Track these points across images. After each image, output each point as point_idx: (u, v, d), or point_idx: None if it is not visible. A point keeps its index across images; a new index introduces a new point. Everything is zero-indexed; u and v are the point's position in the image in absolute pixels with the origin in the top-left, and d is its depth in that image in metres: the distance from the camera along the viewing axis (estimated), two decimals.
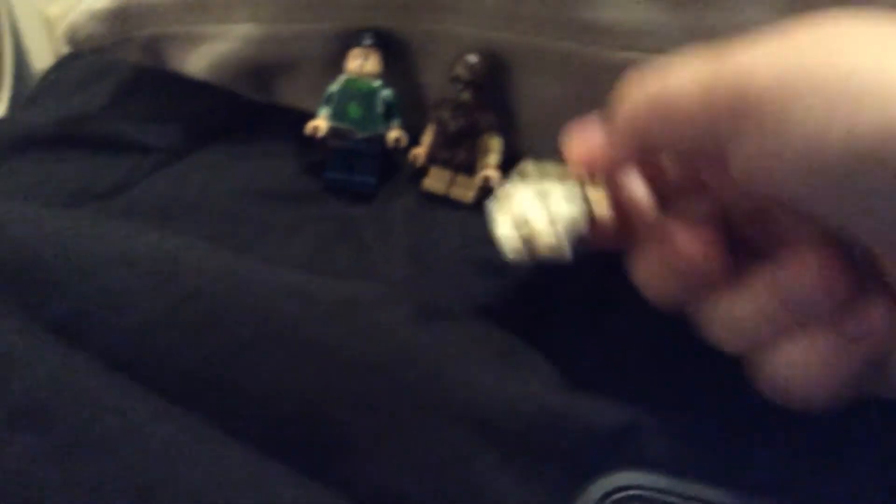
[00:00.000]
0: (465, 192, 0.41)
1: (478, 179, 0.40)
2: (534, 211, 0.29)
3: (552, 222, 0.29)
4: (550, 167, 0.31)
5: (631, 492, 0.26)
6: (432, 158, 0.41)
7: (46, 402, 0.25)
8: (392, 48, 0.41)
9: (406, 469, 0.27)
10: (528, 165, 0.32)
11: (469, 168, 0.41)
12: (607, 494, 0.26)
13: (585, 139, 0.30)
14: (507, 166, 0.40)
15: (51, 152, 0.45)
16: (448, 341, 0.30)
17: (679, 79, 0.25)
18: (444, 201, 0.41)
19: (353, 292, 0.31)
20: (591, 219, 0.30)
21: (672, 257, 0.27)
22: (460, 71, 0.39)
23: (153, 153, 0.45)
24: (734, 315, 0.27)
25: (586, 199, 0.30)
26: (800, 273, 0.25)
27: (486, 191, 0.40)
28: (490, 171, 0.40)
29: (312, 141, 0.42)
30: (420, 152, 0.41)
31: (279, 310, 0.29)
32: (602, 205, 0.30)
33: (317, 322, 0.29)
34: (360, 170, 0.42)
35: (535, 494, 0.27)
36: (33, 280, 0.29)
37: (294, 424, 0.27)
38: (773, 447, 0.29)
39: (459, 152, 0.40)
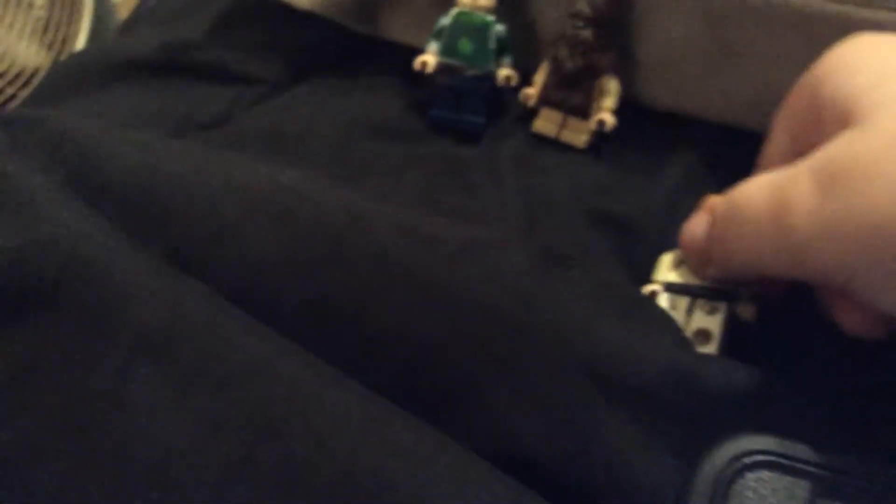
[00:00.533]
0: (577, 135, 0.39)
1: (592, 123, 0.39)
2: None
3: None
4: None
5: (760, 457, 0.25)
6: (545, 99, 0.40)
7: (169, 332, 0.25)
8: None
9: (524, 417, 0.26)
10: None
11: (583, 111, 0.39)
12: (736, 458, 0.25)
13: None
14: (623, 110, 0.39)
15: (153, 79, 0.45)
16: (571, 290, 0.29)
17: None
18: (553, 144, 0.40)
19: (473, 235, 0.30)
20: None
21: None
22: (582, 6, 0.37)
23: (257, 84, 0.44)
24: None
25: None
26: None
27: (600, 135, 0.39)
28: (605, 115, 0.38)
29: (419, 77, 0.40)
30: (532, 92, 0.40)
31: (400, 249, 0.28)
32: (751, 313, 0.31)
33: (438, 263, 0.28)
34: (469, 109, 0.40)
35: (658, 455, 0.26)
36: (147, 209, 0.29)
37: (413, 367, 0.27)
38: None
39: (574, 94, 0.39)
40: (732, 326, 0.30)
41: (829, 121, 0.26)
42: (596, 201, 0.36)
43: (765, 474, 0.25)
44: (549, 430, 0.26)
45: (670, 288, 0.31)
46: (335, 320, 0.27)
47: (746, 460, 0.25)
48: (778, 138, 0.30)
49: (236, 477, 0.23)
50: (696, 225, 0.30)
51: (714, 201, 0.30)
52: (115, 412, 0.23)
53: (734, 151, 0.36)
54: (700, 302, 0.31)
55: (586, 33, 0.37)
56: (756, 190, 0.26)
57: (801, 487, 0.25)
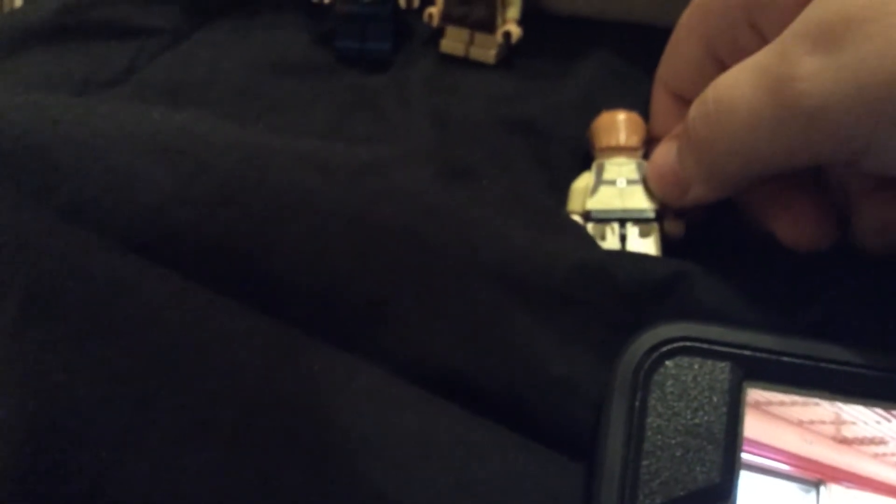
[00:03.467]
0: (485, 51, 0.38)
1: (498, 36, 0.38)
2: None
3: None
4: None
5: (679, 343, 0.25)
6: (448, 17, 0.38)
7: (60, 286, 0.24)
8: None
9: (438, 331, 0.26)
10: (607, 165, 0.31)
11: (487, 24, 0.38)
12: (654, 347, 0.25)
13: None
14: (527, 20, 0.38)
15: (53, 44, 0.43)
16: (477, 201, 0.28)
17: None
18: (464, 62, 0.39)
19: (372, 156, 0.29)
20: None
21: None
22: None
23: (157, 35, 0.43)
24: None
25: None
26: None
27: (508, 47, 0.38)
28: (511, 26, 0.37)
29: (320, 9, 0.40)
30: (434, 11, 0.39)
31: (295, 179, 0.27)
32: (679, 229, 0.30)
33: (336, 189, 0.27)
34: (373, 36, 0.39)
35: (579, 353, 0.25)
36: (39, 166, 0.28)
37: (321, 295, 0.26)
38: (825, 292, 0.27)
39: (476, 7, 0.37)
40: (663, 246, 0.30)
41: None
42: (508, 111, 0.35)
43: (685, 360, 0.25)
44: (465, 340, 0.25)
45: (593, 217, 0.30)
46: (236, 259, 0.26)
47: (665, 349, 0.25)
48: (687, 49, 0.29)
49: (140, 424, 0.22)
50: (663, 154, 0.29)
51: (679, 128, 0.28)
52: (9, 372, 0.23)
53: (641, 49, 0.35)
54: (630, 226, 0.30)
55: None
56: (738, 80, 0.24)
57: (724, 370, 0.25)
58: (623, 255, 0.27)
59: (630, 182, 0.30)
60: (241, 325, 0.24)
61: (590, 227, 0.30)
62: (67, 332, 0.23)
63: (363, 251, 0.26)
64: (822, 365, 0.25)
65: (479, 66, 0.38)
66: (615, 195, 0.30)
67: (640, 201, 0.30)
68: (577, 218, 0.30)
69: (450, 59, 0.39)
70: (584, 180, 0.31)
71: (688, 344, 0.25)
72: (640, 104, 0.33)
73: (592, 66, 0.36)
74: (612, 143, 0.31)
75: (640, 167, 0.31)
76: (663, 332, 0.25)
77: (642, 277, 0.26)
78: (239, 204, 0.27)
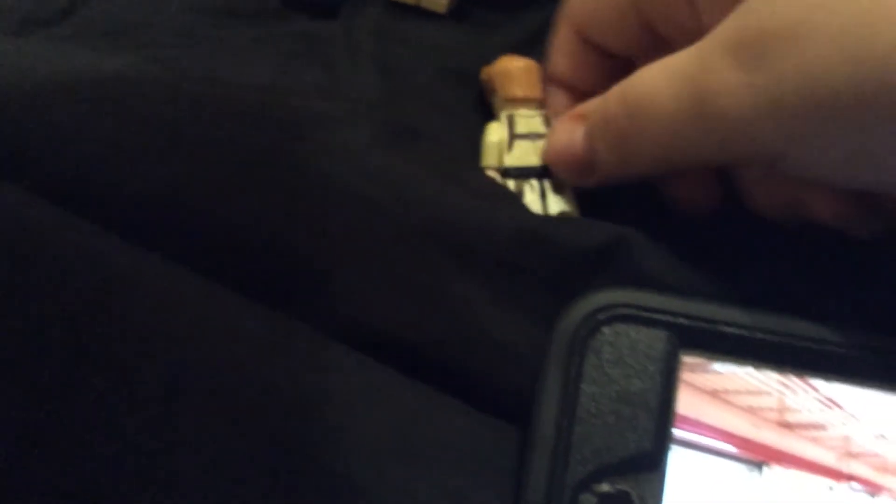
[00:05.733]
0: (435, 2, 0.37)
1: None
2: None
3: None
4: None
5: (617, 310, 0.25)
6: None
7: None
8: None
9: (379, 298, 0.25)
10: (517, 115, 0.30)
11: None
12: (591, 314, 0.25)
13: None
14: None
15: None
16: (419, 161, 0.27)
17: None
18: (415, 11, 0.38)
19: (314, 110, 0.28)
20: None
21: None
22: None
23: None
24: None
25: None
26: None
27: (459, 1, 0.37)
28: None
29: None
30: None
31: (232, 130, 0.26)
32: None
33: (276, 141, 0.26)
34: None
35: (516, 319, 0.25)
36: None
37: (257, 253, 0.25)
38: (765, 259, 0.27)
39: None
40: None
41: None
42: (457, 63, 0.35)
43: (621, 327, 0.25)
44: (401, 303, 0.25)
45: (511, 173, 0.30)
46: (169, 210, 0.25)
47: (602, 315, 0.25)
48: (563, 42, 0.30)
49: (69, 378, 0.21)
50: (568, 136, 0.28)
51: (585, 109, 0.28)
52: None
53: None
54: (548, 183, 0.29)
55: None
56: (659, 84, 0.25)
57: (661, 339, 0.25)
58: (562, 221, 0.27)
59: (540, 136, 0.30)
60: (173, 283, 0.24)
61: (510, 183, 0.29)
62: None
63: (296, 207, 0.25)
64: (760, 336, 0.25)
65: (430, 15, 0.37)
66: (531, 150, 0.30)
67: None
68: (493, 174, 0.30)
69: (400, 7, 0.38)
70: (497, 133, 0.31)
71: (625, 311, 0.25)
72: None
73: (540, 18, 0.35)
74: (517, 93, 0.31)
75: (545, 120, 0.30)
76: (600, 298, 0.25)
77: (582, 243, 0.26)
78: (174, 154, 0.26)
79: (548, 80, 0.31)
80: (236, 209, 0.25)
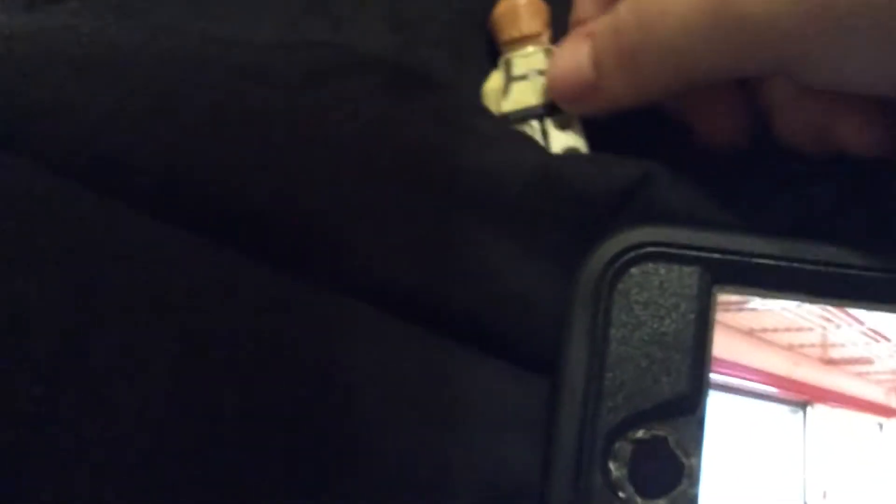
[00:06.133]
0: None
1: None
2: None
3: None
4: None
5: (645, 249, 0.24)
6: None
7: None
8: None
9: (394, 254, 0.24)
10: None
11: None
12: (618, 255, 0.24)
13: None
14: None
15: None
16: (429, 110, 0.26)
17: None
18: None
19: (318, 63, 0.27)
20: None
21: None
22: None
23: None
24: None
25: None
26: None
27: None
28: None
29: None
30: None
31: (236, 88, 0.25)
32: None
33: (280, 98, 0.25)
34: None
35: (539, 267, 0.24)
36: None
37: (266, 215, 0.24)
38: (797, 189, 0.26)
39: None
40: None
41: None
42: (470, 9, 0.33)
43: (650, 266, 0.24)
44: (418, 257, 0.24)
45: (511, 119, 0.28)
46: (174, 174, 0.25)
47: (629, 255, 0.24)
48: None
49: (83, 339, 0.21)
50: (572, 57, 0.27)
51: (592, 27, 0.26)
52: None
53: None
54: (549, 122, 0.28)
55: None
56: None
57: (692, 275, 0.24)
58: (582, 160, 0.26)
59: (541, 73, 0.28)
60: (170, 247, 0.23)
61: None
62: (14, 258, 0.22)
63: (305, 165, 0.24)
64: (798, 266, 0.24)
65: None
66: (529, 91, 0.28)
67: None
68: None
69: None
70: (495, 80, 0.29)
71: (653, 249, 0.24)
72: None
73: None
74: (515, 33, 0.29)
75: (548, 55, 0.29)
76: (626, 237, 0.24)
77: (603, 181, 0.24)
78: (178, 118, 0.25)
79: (572, 27, 0.30)
80: (244, 171, 0.25)
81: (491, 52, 0.32)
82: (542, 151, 0.26)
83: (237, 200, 0.24)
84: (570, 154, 0.27)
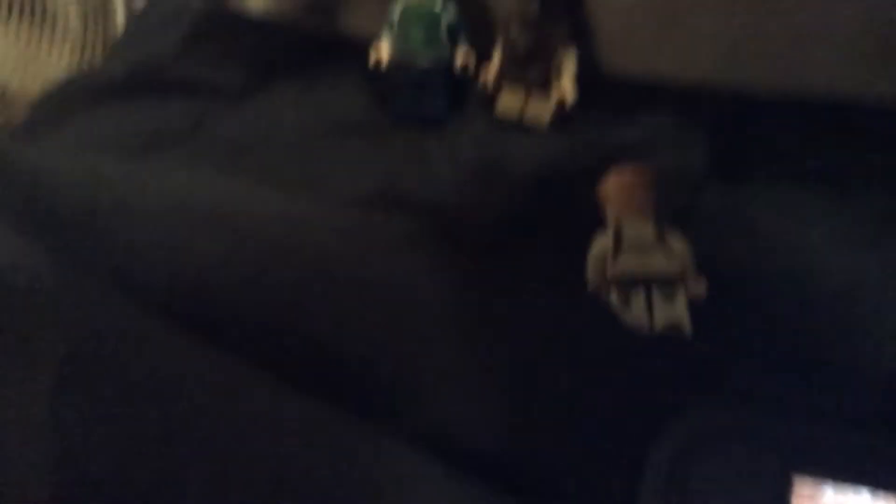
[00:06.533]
0: (540, 113, 0.38)
1: (553, 100, 0.37)
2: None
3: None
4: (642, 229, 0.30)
5: (721, 431, 0.24)
6: (504, 78, 0.38)
7: (96, 352, 0.24)
8: None
9: (470, 413, 0.25)
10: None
11: (544, 85, 0.38)
12: (695, 437, 0.24)
13: None
14: (584, 82, 0.37)
15: (126, 100, 0.45)
16: (516, 281, 0.28)
17: None
18: (517, 127, 0.38)
19: (412, 229, 0.29)
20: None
21: None
22: None
23: (222, 95, 0.44)
24: None
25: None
26: None
27: (562, 111, 0.38)
28: (565, 91, 0.37)
29: (378, 73, 0.40)
30: (491, 71, 0.38)
31: (335, 251, 0.27)
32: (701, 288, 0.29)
33: (375, 262, 0.27)
34: (428, 99, 0.40)
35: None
36: (89, 231, 0.29)
37: (354, 367, 0.26)
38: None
39: (532, 69, 0.37)
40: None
41: None
42: (555, 175, 0.35)
43: (726, 450, 0.24)
44: (488, 414, 0.25)
45: (616, 283, 0.29)
46: (272, 324, 0.26)
47: (703, 438, 0.24)
48: None
49: (168, 481, 0.22)
50: None
51: None
52: (51, 433, 0.23)
53: (703, 112, 0.35)
54: (655, 291, 0.29)
55: (534, 7, 0.36)
56: None
57: (770, 461, 0.24)
58: (659, 341, 0.27)
59: (649, 245, 0.29)
60: (263, 395, 0.25)
61: (613, 293, 0.29)
62: (104, 395, 0.23)
63: (395, 323, 0.26)
64: (875, 457, 0.23)
65: (532, 131, 0.38)
66: (636, 259, 0.29)
67: (661, 263, 0.29)
68: (597, 285, 0.29)
69: (503, 124, 0.39)
70: (601, 246, 0.30)
71: (729, 433, 0.24)
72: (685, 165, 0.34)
73: (639, 133, 0.36)
74: (626, 204, 0.31)
75: (656, 228, 0.30)
76: (700, 419, 0.24)
77: (681, 359, 0.25)
78: (279, 273, 0.27)
79: None
80: (329, 326, 0.26)
81: (570, 218, 0.33)
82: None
83: (329, 350, 0.26)
84: (664, 330, 0.28)
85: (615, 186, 0.31)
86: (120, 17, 0.76)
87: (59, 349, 0.24)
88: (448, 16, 0.38)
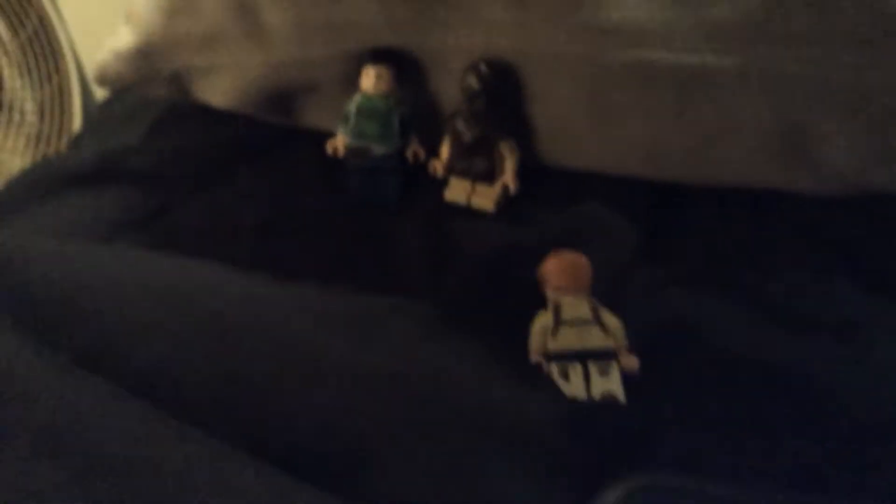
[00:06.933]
0: (485, 201, 0.41)
1: (497, 188, 0.40)
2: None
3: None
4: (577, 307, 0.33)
5: (655, 493, 0.26)
6: (451, 169, 0.41)
7: (67, 430, 0.26)
8: (404, 64, 0.42)
9: (421, 480, 0.27)
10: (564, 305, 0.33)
11: (488, 176, 0.41)
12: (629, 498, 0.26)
13: None
14: (525, 172, 0.41)
15: (92, 187, 0.47)
16: (463, 352, 0.30)
17: None
18: (465, 211, 0.41)
19: (366, 304, 0.31)
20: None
21: None
22: (471, 81, 0.39)
23: (186, 181, 0.46)
24: None
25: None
26: None
27: (506, 199, 0.41)
28: (508, 180, 0.40)
29: (334, 160, 0.43)
30: (439, 164, 0.42)
31: (297, 329, 0.29)
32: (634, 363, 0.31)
33: (333, 338, 0.29)
34: (381, 186, 0.42)
35: (550, 499, 0.27)
36: (60, 312, 0.30)
37: (312, 439, 0.27)
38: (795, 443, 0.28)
39: (477, 162, 0.41)
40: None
41: None
42: (502, 257, 0.37)
43: None
44: (447, 490, 0.26)
45: (555, 357, 0.32)
46: (237, 401, 0.28)
47: (637, 501, 0.26)
48: None
49: None
50: None
51: None
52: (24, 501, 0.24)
53: (634, 201, 0.39)
54: (591, 365, 0.31)
55: (478, 104, 0.39)
56: None
57: None
58: (600, 408, 0.29)
59: (586, 322, 0.32)
60: (229, 469, 0.26)
61: (553, 367, 0.31)
62: (71, 471, 0.25)
63: (351, 397, 0.28)
64: None
65: (479, 214, 0.41)
66: (574, 335, 0.32)
67: (596, 340, 0.31)
68: (538, 358, 0.32)
69: (452, 208, 0.41)
70: (542, 321, 0.33)
71: (663, 494, 0.26)
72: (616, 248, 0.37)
73: (575, 220, 0.39)
74: (564, 284, 0.33)
75: (591, 306, 0.32)
76: (636, 481, 0.26)
77: (616, 433, 0.27)
78: (243, 351, 0.29)
79: None
80: (295, 400, 0.28)
81: (520, 295, 0.35)
82: (560, 400, 0.30)
83: (288, 424, 0.28)
84: (601, 400, 0.30)
85: (554, 268, 0.34)
86: (77, 110, 0.78)
87: (32, 427, 0.26)
88: (400, 111, 0.42)
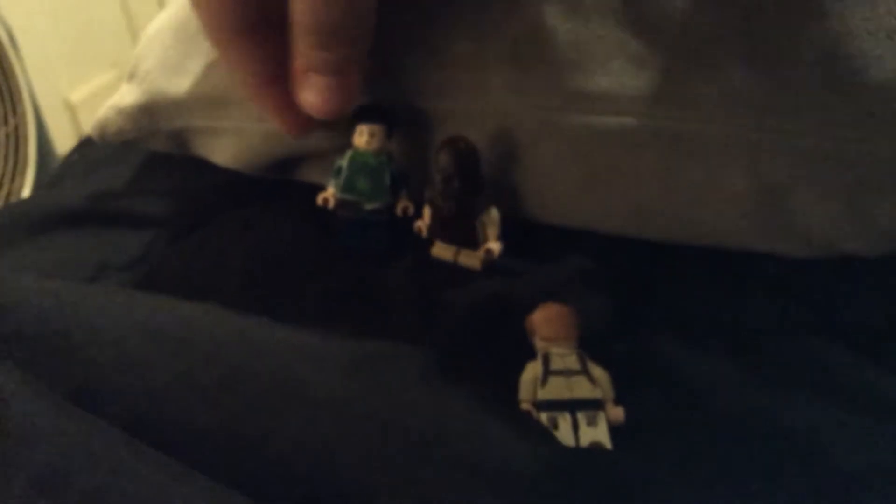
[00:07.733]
0: (472, 260, 0.42)
1: (481, 252, 0.41)
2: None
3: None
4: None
5: None
6: (433, 234, 0.43)
7: (65, 469, 0.25)
8: (397, 122, 0.44)
9: None
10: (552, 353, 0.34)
11: (471, 243, 0.42)
12: None
13: None
14: (509, 232, 0.42)
15: (74, 228, 0.47)
16: (455, 399, 0.30)
17: None
18: (452, 268, 0.42)
19: (363, 350, 0.32)
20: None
21: None
22: (445, 162, 0.39)
23: (170, 226, 0.47)
24: None
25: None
26: None
27: (492, 259, 0.42)
28: (492, 244, 0.41)
29: (323, 210, 0.44)
30: (422, 227, 0.43)
31: (292, 370, 0.30)
32: (619, 415, 0.32)
33: (329, 381, 0.30)
34: (371, 239, 0.43)
35: None
36: (54, 349, 0.30)
37: (309, 482, 0.28)
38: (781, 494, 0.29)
39: (458, 234, 0.42)
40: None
41: None
42: (493, 308, 0.38)
43: None
44: None
45: (544, 406, 0.32)
46: (232, 442, 0.28)
47: None
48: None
49: None
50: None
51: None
52: None
53: (620, 257, 0.40)
54: (579, 415, 0.32)
55: (454, 184, 0.40)
56: None
57: None
58: (591, 456, 0.30)
59: (574, 372, 0.33)
60: None
61: (543, 416, 0.32)
62: None
63: (347, 440, 0.28)
64: None
65: (466, 271, 0.42)
66: (563, 385, 0.33)
67: (585, 390, 0.32)
68: (528, 407, 0.33)
69: (439, 263, 0.42)
70: (532, 371, 0.34)
71: None
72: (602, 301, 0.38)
73: (573, 272, 0.40)
74: (552, 334, 0.34)
75: (579, 357, 0.34)
76: None
77: (610, 481, 0.28)
78: (239, 392, 0.29)
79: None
80: (292, 444, 0.28)
81: (508, 347, 0.36)
82: (553, 447, 0.30)
83: (286, 468, 0.28)
84: (580, 450, 0.31)
85: (542, 320, 0.35)
86: (32, 153, 0.78)
87: (29, 467, 0.26)
88: (392, 167, 0.43)
